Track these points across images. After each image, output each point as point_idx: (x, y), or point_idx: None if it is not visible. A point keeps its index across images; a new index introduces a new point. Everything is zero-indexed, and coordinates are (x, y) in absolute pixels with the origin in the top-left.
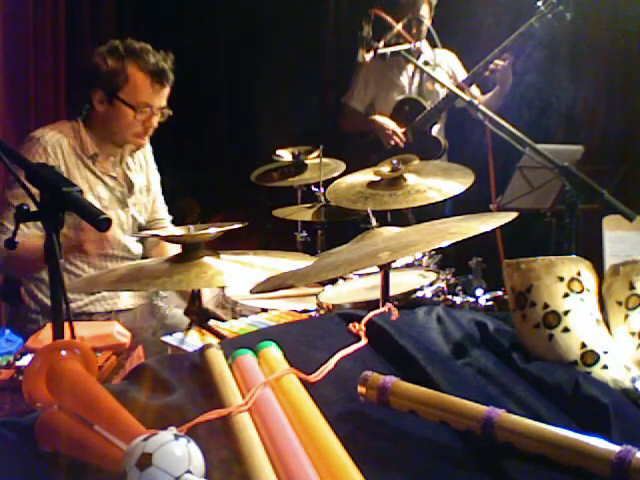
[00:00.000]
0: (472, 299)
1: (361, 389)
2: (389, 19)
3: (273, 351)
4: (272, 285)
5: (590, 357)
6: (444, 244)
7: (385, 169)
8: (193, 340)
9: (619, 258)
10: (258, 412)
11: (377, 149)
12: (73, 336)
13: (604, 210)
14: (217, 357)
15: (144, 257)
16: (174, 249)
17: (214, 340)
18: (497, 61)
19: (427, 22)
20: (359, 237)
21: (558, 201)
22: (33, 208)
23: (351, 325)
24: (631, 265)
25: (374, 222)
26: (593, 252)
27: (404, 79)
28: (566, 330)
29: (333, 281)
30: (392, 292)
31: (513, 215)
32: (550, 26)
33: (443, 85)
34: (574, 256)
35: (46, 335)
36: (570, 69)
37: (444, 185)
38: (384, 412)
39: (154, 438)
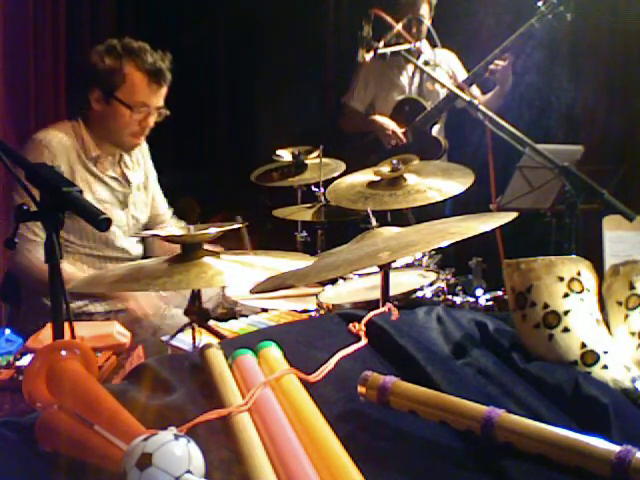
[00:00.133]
0: (472, 299)
1: (361, 389)
2: (389, 19)
3: (273, 351)
4: (272, 285)
5: (590, 357)
6: (444, 244)
7: (385, 169)
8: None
9: (619, 258)
10: (258, 412)
11: (377, 149)
12: (73, 336)
13: (604, 210)
14: (217, 357)
15: (145, 257)
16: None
17: (214, 340)
18: (497, 61)
19: (427, 22)
20: (359, 237)
21: (558, 201)
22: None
23: (351, 325)
24: (631, 265)
25: (374, 222)
26: (593, 252)
27: (404, 79)
28: (566, 330)
29: (333, 281)
30: (392, 292)
31: (513, 215)
32: (550, 26)
33: (443, 85)
34: (574, 256)
35: (46, 335)
36: (570, 69)
37: (444, 185)
38: (384, 412)
39: (154, 438)
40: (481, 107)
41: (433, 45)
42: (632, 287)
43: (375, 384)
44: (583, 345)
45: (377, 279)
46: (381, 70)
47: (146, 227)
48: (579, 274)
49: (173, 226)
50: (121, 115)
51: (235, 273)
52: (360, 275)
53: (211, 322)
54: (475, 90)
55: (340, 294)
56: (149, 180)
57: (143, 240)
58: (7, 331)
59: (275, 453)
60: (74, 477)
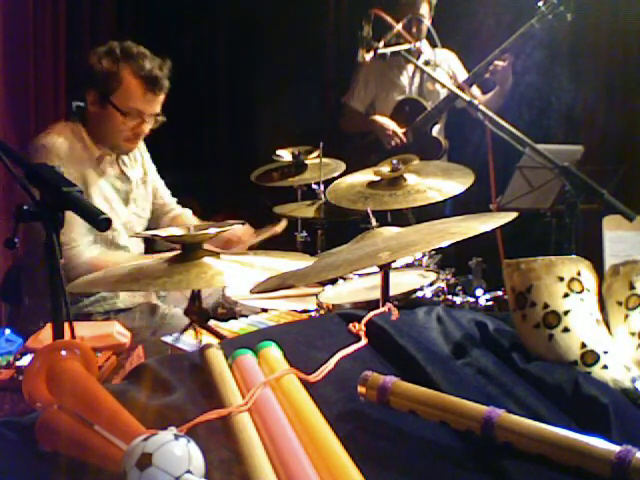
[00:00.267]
0: (472, 299)
1: (361, 389)
2: (389, 19)
3: (273, 351)
4: (272, 285)
5: (590, 357)
6: (444, 244)
7: (385, 169)
8: (193, 340)
9: (619, 258)
10: (258, 412)
11: (377, 149)
12: (73, 336)
13: (604, 210)
14: (217, 357)
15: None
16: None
17: (214, 340)
18: (497, 61)
19: (427, 22)
20: (359, 237)
21: (558, 201)
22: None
23: (351, 325)
24: (631, 265)
25: (374, 222)
26: (593, 252)
27: (404, 79)
28: (566, 330)
29: (333, 281)
30: (392, 292)
31: (513, 215)
32: (550, 26)
33: (443, 85)
34: (574, 256)
35: (46, 335)
36: (570, 69)
37: (444, 185)
38: (384, 412)
39: (154, 438)
40: (481, 107)
41: (433, 45)
42: (632, 287)
43: (375, 384)
44: (583, 345)
45: (377, 279)
46: (381, 70)
47: (153, 219)
48: (579, 274)
49: (182, 214)
50: (114, 120)
51: (235, 273)
52: (360, 275)
53: (211, 322)
54: (475, 90)
55: (340, 294)
56: (148, 175)
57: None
58: (7, 331)
59: (275, 453)
60: (74, 477)
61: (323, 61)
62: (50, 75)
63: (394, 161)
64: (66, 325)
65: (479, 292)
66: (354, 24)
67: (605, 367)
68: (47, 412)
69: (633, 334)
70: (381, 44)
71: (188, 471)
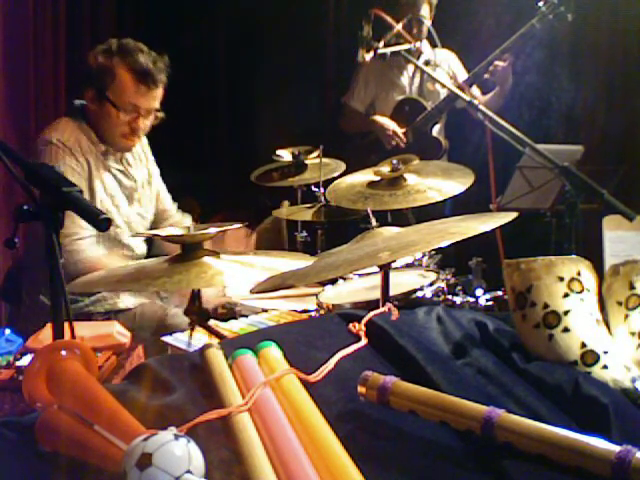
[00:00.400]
0: (472, 299)
1: (361, 389)
2: (389, 19)
3: (273, 351)
4: (272, 285)
5: (590, 357)
6: (444, 244)
7: (385, 169)
8: (193, 340)
9: (619, 258)
10: (258, 412)
11: (377, 149)
12: (73, 336)
13: (604, 210)
14: (217, 357)
15: (152, 255)
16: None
17: (214, 340)
18: (497, 62)
19: (427, 22)
20: (359, 237)
21: (558, 201)
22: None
23: (351, 325)
24: (631, 265)
25: (374, 222)
26: (593, 252)
27: (404, 79)
28: (566, 330)
29: (333, 281)
30: (392, 292)
31: (513, 215)
32: (550, 26)
33: (443, 85)
34: (574, 256)
35: (46, 335)
36: (570, 69)
37: (444, 185)
38: (384, 412)
39: (154, 438)
40: (481, 107)
41: (433, 45)
42: (632, 287)
43: (375, 384)
44: (583, 345)
45: (377, 279)
46: (381, 70)
47: (153, 224)
48: (579, 274)
49: (180, 221)
50: (110, 115)
51: (235, 273)
52: (360, 275)
53: (211, 322)
54: (475, 90)
55: (340, 294)
56: (153, 177)
57: (150, 240)
58: (7, 331)
59: (275, 453)
60: (74, 477)
61: (323, 61)
62: (50, 75)
63: (394, 161)
64: (66, 325)
65: (479, 292)
66: (354, 24)
67: (605, 367)
68: (47, 412)
69: (633, 334)
70: (381, 44)
71: (188, 471)
